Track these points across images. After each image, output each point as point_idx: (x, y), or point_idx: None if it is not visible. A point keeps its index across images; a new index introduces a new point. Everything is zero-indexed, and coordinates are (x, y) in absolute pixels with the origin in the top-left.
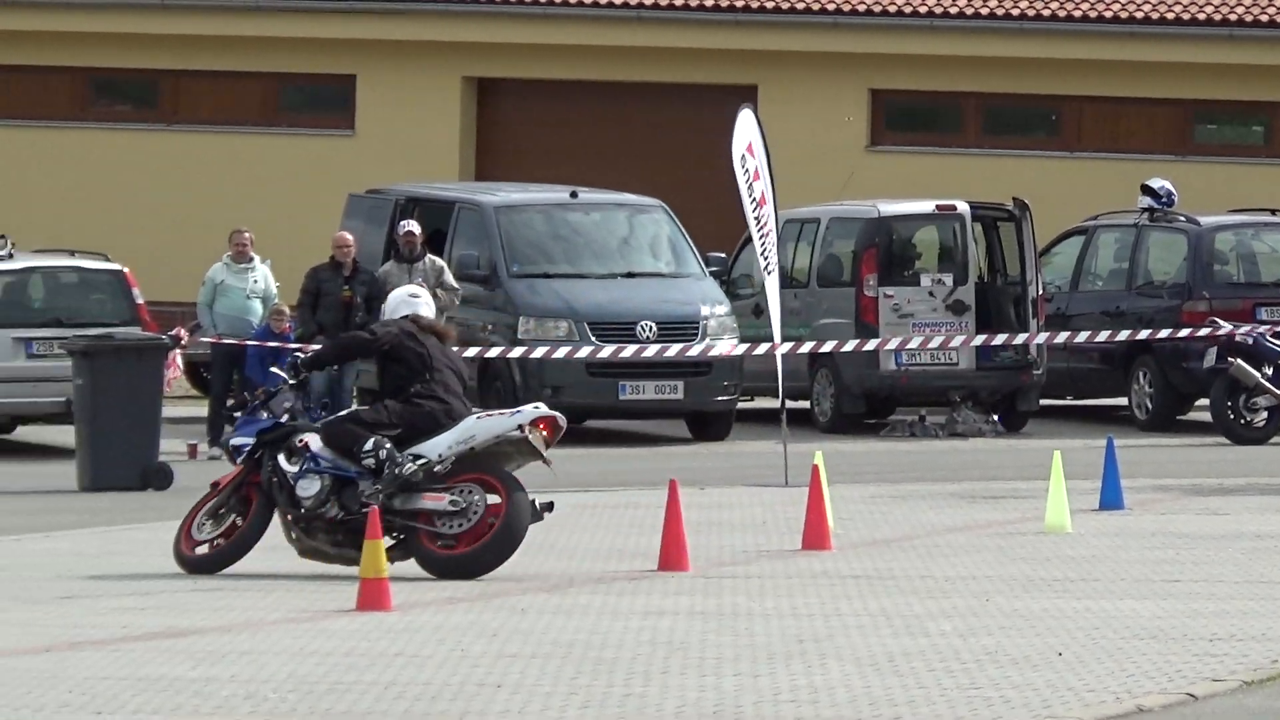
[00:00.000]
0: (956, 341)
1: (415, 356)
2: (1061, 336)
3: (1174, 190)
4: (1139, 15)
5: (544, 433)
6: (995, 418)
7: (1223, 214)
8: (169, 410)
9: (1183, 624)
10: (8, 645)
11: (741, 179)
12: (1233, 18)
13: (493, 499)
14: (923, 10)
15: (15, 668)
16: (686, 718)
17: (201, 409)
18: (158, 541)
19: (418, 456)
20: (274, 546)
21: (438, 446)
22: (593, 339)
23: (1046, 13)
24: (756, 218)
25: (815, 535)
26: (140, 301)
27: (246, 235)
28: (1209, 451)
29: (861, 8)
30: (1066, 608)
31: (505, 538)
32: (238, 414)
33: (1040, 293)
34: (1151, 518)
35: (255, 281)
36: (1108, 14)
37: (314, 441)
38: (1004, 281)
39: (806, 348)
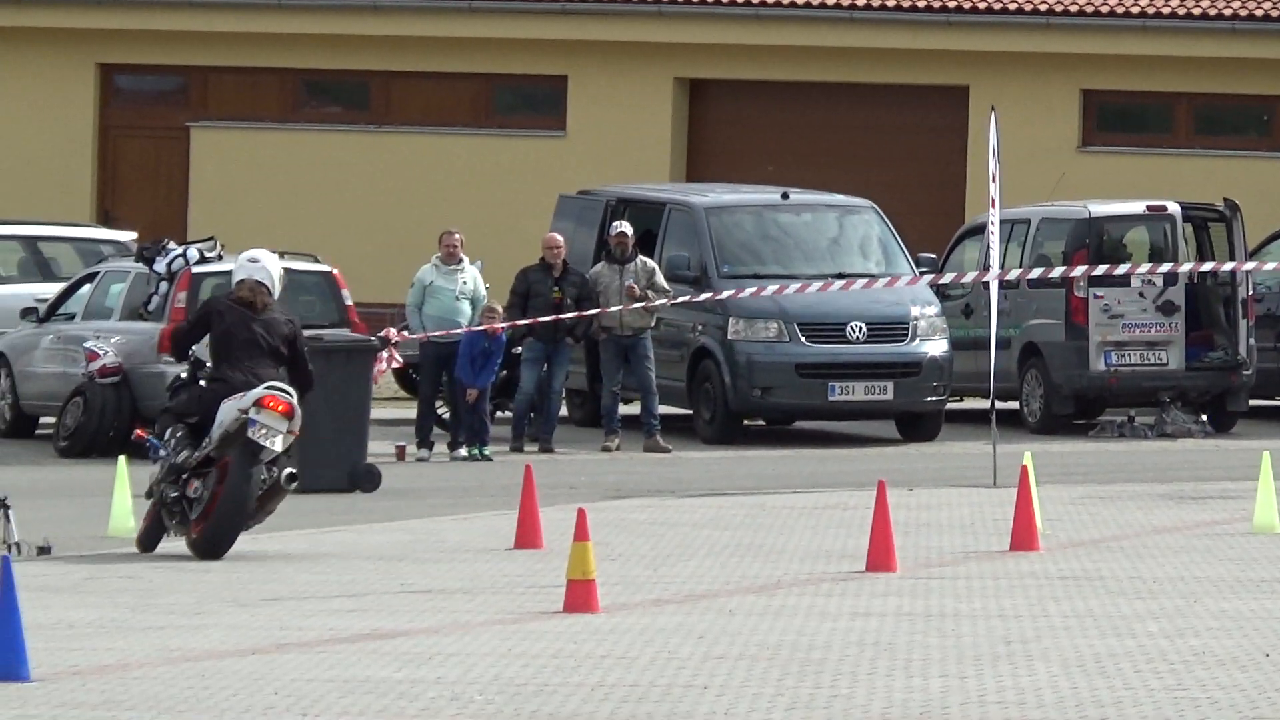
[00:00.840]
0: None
1: (218, 333)
2: None
3: None
4: None
5: (276, 410)
6: (1204, 418)
7: None
8: (377, 412)
9: None
10: (215, 647)
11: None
12: None
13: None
14: (1135, 10)
15: (222, 669)
16: (893, 719)
17: (410, 411)
18: (365, 544)
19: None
20: (483, 549)
21: (213, 430)
22: (802, 339)
23: (1259, 13)
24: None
25: (1023, 536)
26: (349, 303)
27: (457, 236)
28: None
29: (1074, 8)
30: (1275, 609)
31: (223, 515)
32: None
33: (1250, 293)
34: None
35: (464, 283)
36: None
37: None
38: (1214, 282)
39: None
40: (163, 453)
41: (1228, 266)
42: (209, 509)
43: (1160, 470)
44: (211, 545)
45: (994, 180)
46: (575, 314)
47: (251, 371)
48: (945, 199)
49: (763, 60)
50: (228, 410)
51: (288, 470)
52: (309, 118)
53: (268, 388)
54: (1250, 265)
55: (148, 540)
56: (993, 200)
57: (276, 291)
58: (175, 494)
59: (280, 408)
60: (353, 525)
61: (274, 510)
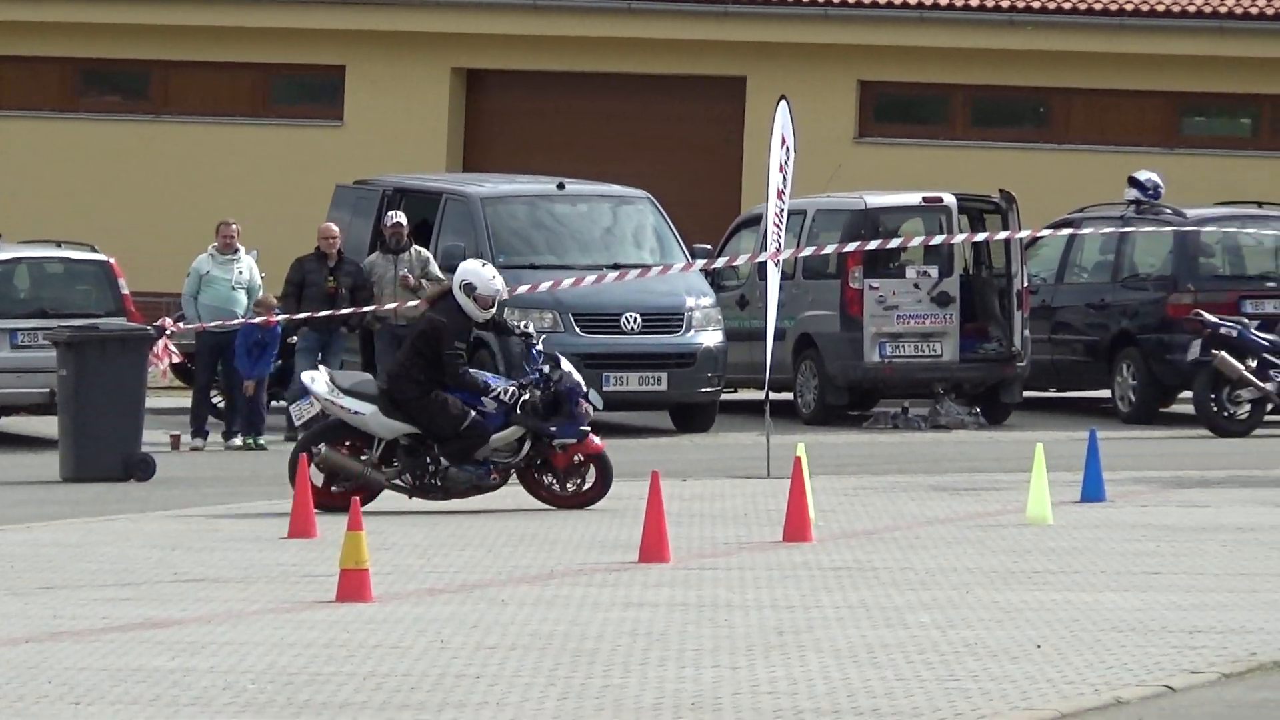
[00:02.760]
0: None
1: None
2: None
3: (1161, 183)
4: (1128, 7)
5: None
6: (978, 410)
7: (1210, 207)
8: (152, 401)
9: (1162, 616)
10: None
11: (773, 169)
12: (1222, 10)
13: None
14: (912, 2)
15: None
16: (665, 709)
17: (185, 400)
18: (139, 532)
19: None
20: (257, 539)
21: None
22: (577, 330)
23: (1036, 5)
24: (779, 210)
25: (796, 527)
26: (126, 292)
27: (234, 227)
28: (1191, 444)
29: (851, 0)
30: (1046, 600)
31: None
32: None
33: (1025, 285)
34: (1133, 510)
35: (240, 273)
36: (1097, 6)
37: None
38: (989, 274)
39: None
40: None
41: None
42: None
43: (933, 461)
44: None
45: (782, 170)
46: (351, 310)
47: None
48: (722, 190)
49: (540, 51)
50: None
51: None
52: (88, 107)
53: None
54: (1046, 232)
55: None
56: (780, 191)
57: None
58: None
59: None
60: (127, 514)
61: None
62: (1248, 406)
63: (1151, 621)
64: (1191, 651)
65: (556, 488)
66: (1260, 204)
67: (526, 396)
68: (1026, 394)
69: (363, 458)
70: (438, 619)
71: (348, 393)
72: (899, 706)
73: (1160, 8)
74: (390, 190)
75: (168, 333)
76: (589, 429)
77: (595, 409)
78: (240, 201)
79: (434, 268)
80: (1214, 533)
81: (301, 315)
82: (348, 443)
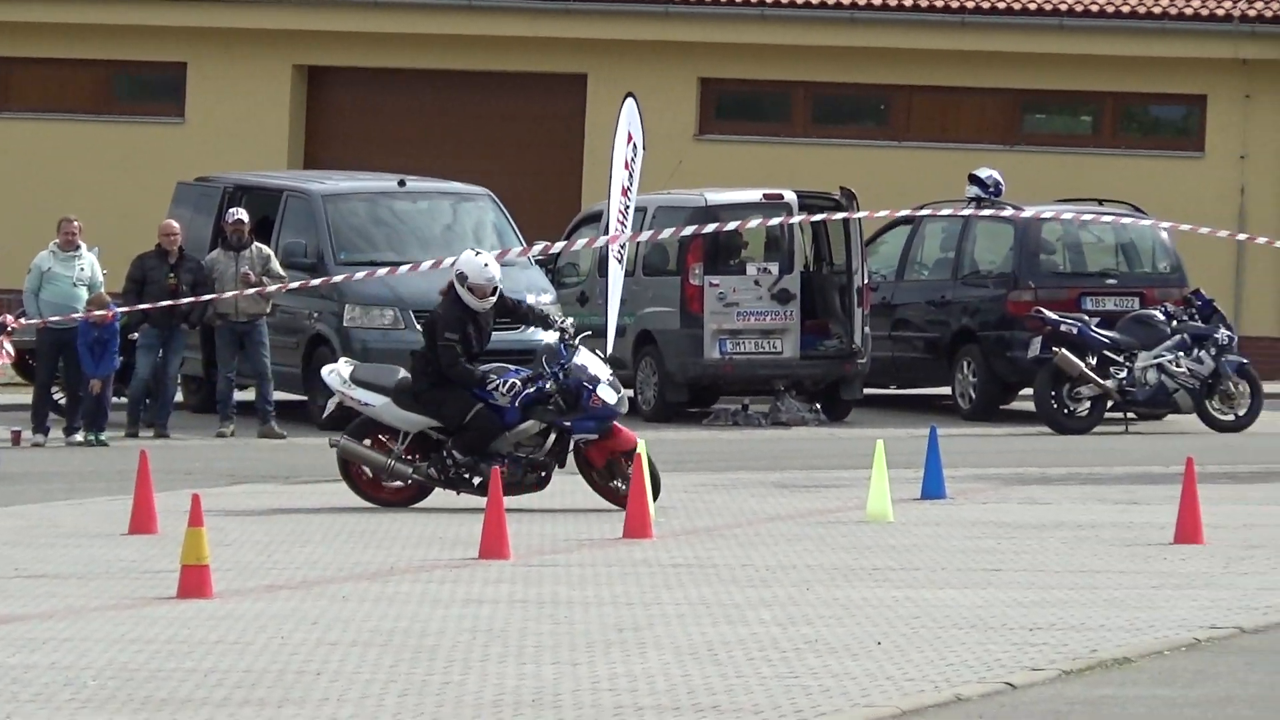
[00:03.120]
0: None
1: None
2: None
3: (1002, 180)
4: (969, 5)
5: None
6: (818, 407)
7: (1050, 204)
8: None
9: (1002, 613)
10: None
11: (617, 166)
12: (1062, 8)
13: None
14: (754, 0)
15: None
16: (505, 706)
17: (26, 396)
18: None
19: None
20: (98, 534)
21: None
22: (418, 326)
23: (877, 2)
24: (624, 207)
25: (637, 524)
26: None
27: (75, 224)
28: (1032, 441)
29: None
30: (886, 597)
31: None
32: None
33: (866, 282)
34: (973, 507)
35: (82, 269)
36: (939, 3)
37: None
38: (830, 270)
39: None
40: None
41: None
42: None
43: (774, 458)
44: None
45: (628, 167)
46: (191, 301)
47: None
48: (563, 187)
49: (381, 48)
50: None
51: None
52: None
53: None
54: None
55: None
56: (625, 188)
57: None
58: None
59: None
60: None
61: None
62: (1088, 404)
63: (992, 618)
64: (1032, 648)
65: (618, 485)
66: (1100, 201)
67: (532, 390)
68: (867, 391)
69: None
70: (278, 615)
71: (363, 384)
72: (739, 703)
73: (1001, 5)
74: (231, 187)
75: (8, 329)
76: (610, 423)
77: (607, 402)
78: (82, 198)
79: (275, 265)
80: (1054, 530)
81: (142, 306)
82: (381, 435)
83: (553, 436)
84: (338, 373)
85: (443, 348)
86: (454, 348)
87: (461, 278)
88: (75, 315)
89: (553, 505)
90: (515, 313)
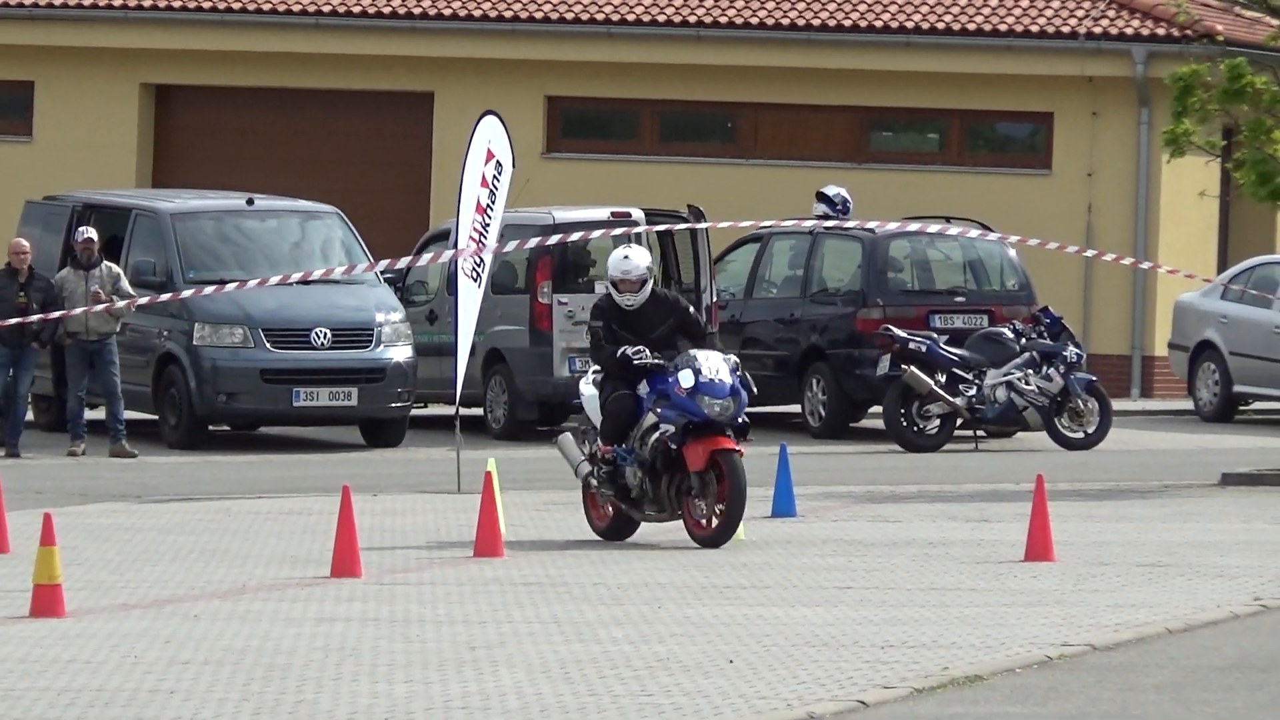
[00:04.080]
0: None
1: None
2: None
3: (849, 198)
4: (815, 22)
5: None
6: None
7: (897, 221)
8: None
9: (854, 631)
10: None
11: (469, 184)
12: (909, 25)
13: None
14: (599, 17)
15: None
16: None
17: None
18: None
19: None
20: None
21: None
22: (267, 345)
23: (724, 19)
24: (482, 224)
25: (487, 542)
26: None
27: None
28: (882, 459)
29: (539, 15)
30: (738, 615)
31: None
32: None
33: (715, 300)
34: (824, 525)
35: None
36: (785, 21)
37: None
38: (679, 288)
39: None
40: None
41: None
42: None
43: None
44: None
45: (487, 184)
46: (40, 318)
47: None
48: (411, 206)
49: (229, 66)
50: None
51: None
52: None
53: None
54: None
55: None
56: (482, 206)
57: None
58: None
59: None
60: None
61: None
62: (937, 421)
63: (843, 636)
64: (884, 666)
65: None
66: (949, 219)
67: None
68: None
69: None
70: (131, 634)
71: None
72: None
73: (848, 23)
74: (80, 206)
75: None
76: (696, 419)
77: (684, 386)
78: None
79: (125, 283)
80: (905, 548)
81: None
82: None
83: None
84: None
85: (589, 332)
86: (596, 332)
87: (610, 278)
88: None
89: (402, 525)
90: (684, 321)
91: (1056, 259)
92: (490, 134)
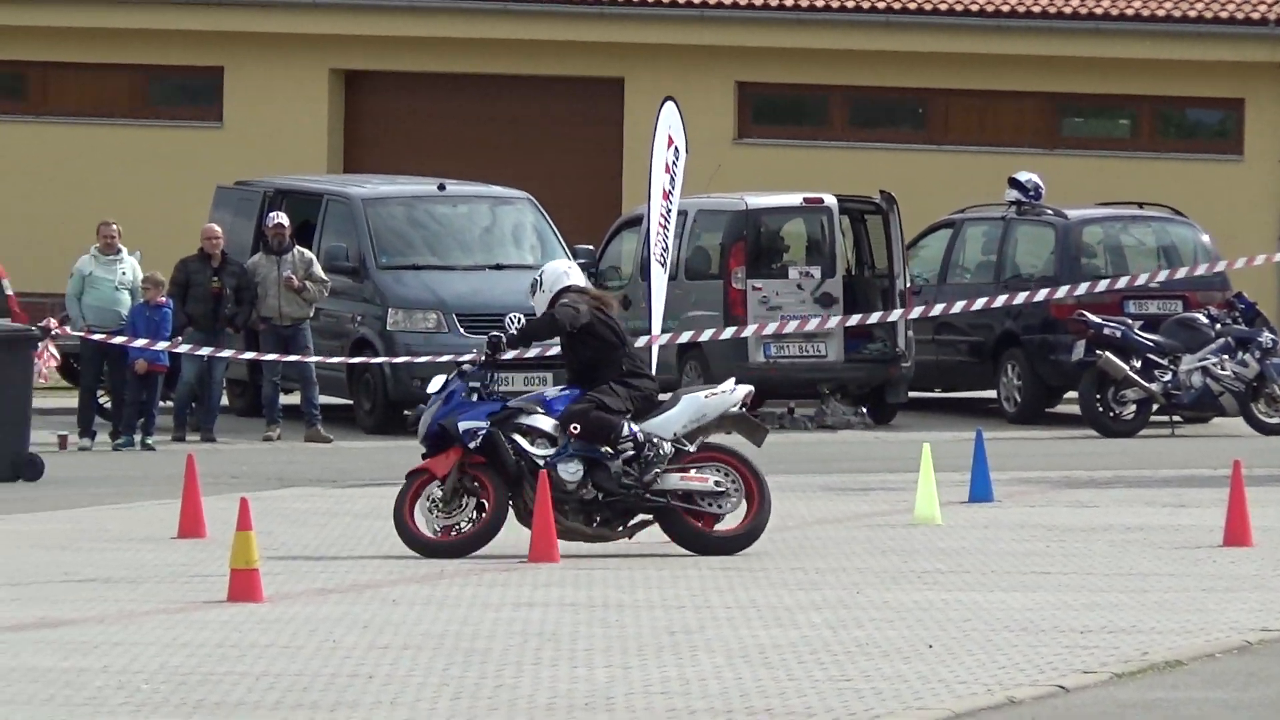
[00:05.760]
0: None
1: (611, 332)
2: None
3: (1041, 183)
4: (1005, 9)
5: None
6: (864, 410)
7: (1090, 207)
8: (39, 401)
9: (1053, 616)
10: None
11: (657, 170)
12: (1098, 11)
13: (742, 476)
14: (790, 4)
15: None
16: (558, 709)
17: (71, 400)
18: (28, 533)
19: (659, 437)
20: (147, 539)
21: (671, 425)
22: (461, 330)
23: (913, 6)
24: (665, 210)
25: None
26: (10, 293)
27: (114, 227)
28: (1078, 444)
29: (728, 1)
30: (936, 600)
31: (766, 513)
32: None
33: (908, 285)
34: (1020, 510)
35: (124, 273)
36: (974, 7)
37: (544, 424)
38: (871, 274)
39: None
40: (569, 450)
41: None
42: (753, 498)
43: (821, 462)
44: (746, 543)
45: (669, 171)
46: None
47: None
48: (602, 191)
49: (418, 52)
50: (715, 404)
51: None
52: None
53: (738, 383)
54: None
55: (471, 548)
56: (666, 192)
57: None
58: (641, 490)
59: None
60: (15, 515)
61: None
62: (1133, 407)
63: (1042, 621)
64: (1083, 651)
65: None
66: (1141, 204)
67: None
68: (912, 394)
69: None
70: (329, 619)
71: None
72: (791, 706)
73: (1037, 9)
74: (271, 191)
75: (52, 334)
76: None
77: None
78: (121, 202)
79: (317, 269)
80: (1102, 533)
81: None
82: None
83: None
84: None
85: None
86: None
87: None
88: (118, 330)
89: None
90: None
91: (1249, 244)
92: (670, 121)
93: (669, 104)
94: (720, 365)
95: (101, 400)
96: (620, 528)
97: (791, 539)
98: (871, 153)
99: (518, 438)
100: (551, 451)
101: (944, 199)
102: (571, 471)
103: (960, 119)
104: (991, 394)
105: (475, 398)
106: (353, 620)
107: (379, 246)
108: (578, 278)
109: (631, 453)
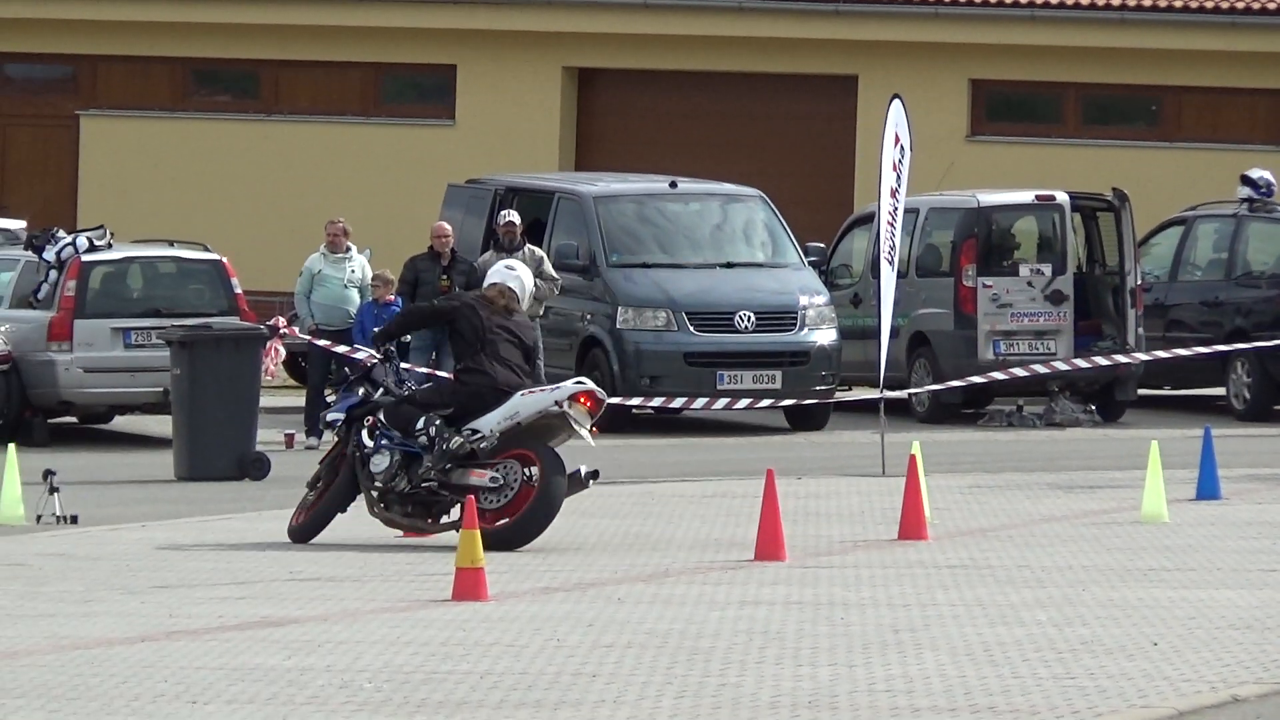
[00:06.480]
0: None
1: (470, 329)
2: None
3: (1274, 180)
4: (1240, 5)
5: (586, 406)
6: (1093, 407)
7: None
8: (266, 400)
9: (1279, 614)
10: (104, 635)
11: (886, 168)
12: None
13: (530, 472)
14: (1023, 1)
15: (111, 657)
16: (782, 707)
17: (299, 399)
18: (254, 531)
19: (474, 431)
20: (370, 537)
21: (488, 423)
22: (691, 329)
23: (1147, 3)
24: (892, 209)
25: (912, 525)
26: (239, 291)
27: (340, 224)
28: None
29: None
30: (1162, 597)
31: (540, 510)
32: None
33: (1139, 283)
34: (1248, 507)
35: (352, 271)
36: (1209, 4)
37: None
38: (1103, 271)
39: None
40: (384, 442)
41: None
42: (516, 504)
43: (1049, 459)
44: (522, 536)
45: (895, 169)
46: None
47: (511, 368)
48: (834, 189)
49: (651, 50)
50: (531, 403)
51: (592, 467)
52: (198, 106)
53: (578, 383)
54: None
55: (310, 531)
56: (893, 190)
57: (525, 304)
58: (435, 484)
59: (590, 405)
60: (242, 513)
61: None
62: None
63: (1269, 619)
64: None
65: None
66: None
67: None
68: (1141, 392)
69: None
70: (553, 617)
71: None
72: (1015, 704)
73: (1273, 5)
74: (502, 189)
75: (280, 332)
76: None
77: None
78: (351, 200)
79: (548, 266)
80: None
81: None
82: None
83: None
84: None
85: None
86: None
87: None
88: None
89: (826, 508)
90: None
91: None
92: (897, 118)
93: (896, 101)
94: (949, 362)
95: (329, 399)
96: (429, 520)
97: (1018, 536)
98: (1104, 150)
99: (364, 431)
100: (380, 444)
101: (1176, 196)
102: (377, 464)
103: (1193, 116)
104: (1221, 391)
105: (381, 391)
106: (577, 619)
107: (609, 244)
108: (503, 277)
109: (427, 445)
